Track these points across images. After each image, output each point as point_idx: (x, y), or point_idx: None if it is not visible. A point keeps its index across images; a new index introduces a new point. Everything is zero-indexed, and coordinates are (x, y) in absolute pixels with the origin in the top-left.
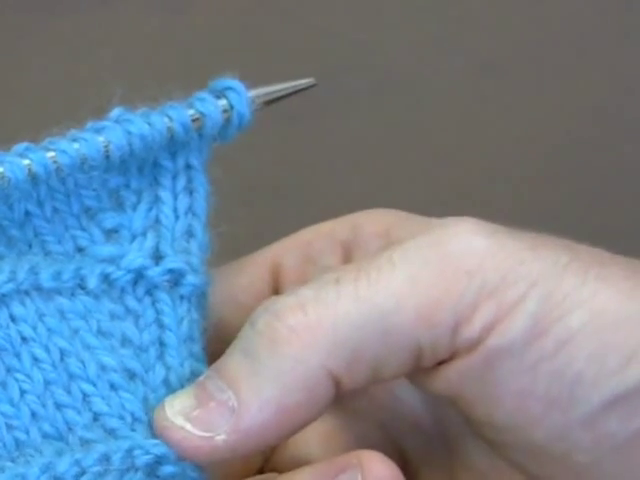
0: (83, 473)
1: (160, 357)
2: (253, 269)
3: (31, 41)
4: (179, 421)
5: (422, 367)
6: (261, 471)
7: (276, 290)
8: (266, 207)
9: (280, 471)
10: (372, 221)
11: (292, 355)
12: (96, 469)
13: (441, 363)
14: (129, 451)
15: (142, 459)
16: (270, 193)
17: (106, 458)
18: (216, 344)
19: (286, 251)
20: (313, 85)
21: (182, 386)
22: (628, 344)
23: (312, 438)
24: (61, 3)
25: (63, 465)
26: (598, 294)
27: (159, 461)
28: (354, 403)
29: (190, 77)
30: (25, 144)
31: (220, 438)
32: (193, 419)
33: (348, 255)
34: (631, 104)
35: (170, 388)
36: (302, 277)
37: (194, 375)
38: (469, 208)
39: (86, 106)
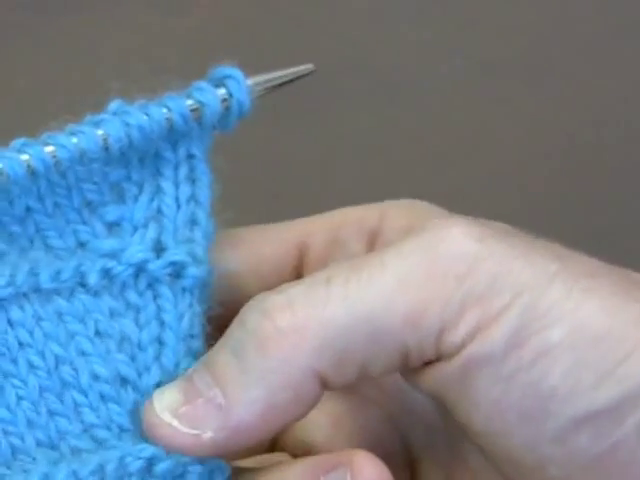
0: None
1: (157, 358)
2: (280, 241)
3: (31, 41)
4: (167, 417)
5: (409, 367)
6: (270, 450)
7: (299, 267)
8: (269, 204)
9: (288, 451)
10: (399, 213)
11: (279, 357)
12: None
13: (428, 363)
14: (121, 459)
15: (134, 465)
16: (270, 191)
17: (101, 468)
18: (233, 313)
19: (315, 230)
20: (312, 71)
21: None
22: (603, 362)
23: (321, 421)
24: (61, 3)
25: (60, 476)
26: (581, 308)
27: (151, 462)
28: (365, 390)
29: (190, 77)
30: (23, 139)
31: (207, 436)
32: (180, 416)
33: (373, 243)
34: (631, 104)
35: None
36: (327, 259)
37: None
38: (469, 208)
39: (85, 105)
